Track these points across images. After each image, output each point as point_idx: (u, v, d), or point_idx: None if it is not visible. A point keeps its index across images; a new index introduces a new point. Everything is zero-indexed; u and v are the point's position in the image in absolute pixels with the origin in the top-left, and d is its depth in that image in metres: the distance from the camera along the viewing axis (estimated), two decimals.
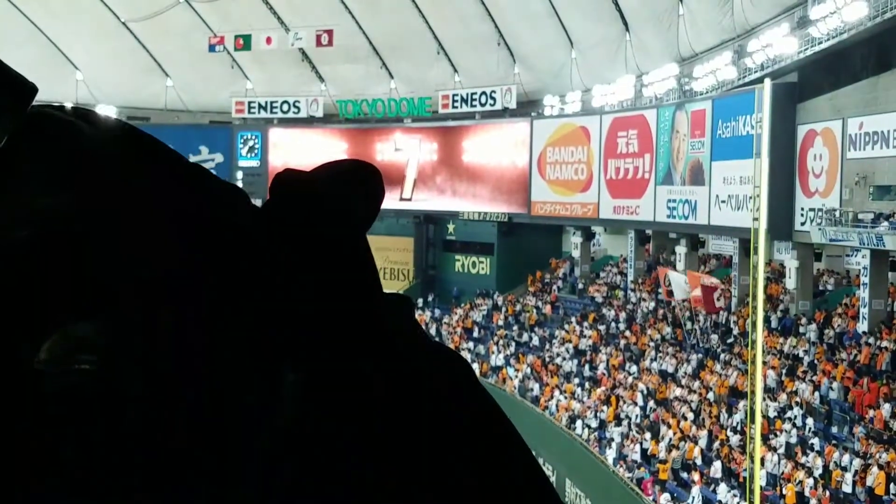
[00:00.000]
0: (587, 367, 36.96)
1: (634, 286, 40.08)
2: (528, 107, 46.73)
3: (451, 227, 49.26)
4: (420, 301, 46.78)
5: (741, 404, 28.22)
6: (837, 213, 29.26)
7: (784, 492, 24.94)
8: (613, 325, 38.63)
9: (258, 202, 0.73)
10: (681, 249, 37.88)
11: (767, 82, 27.39)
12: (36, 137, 0.69)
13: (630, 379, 34.12)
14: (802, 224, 31.08)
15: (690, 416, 30.02)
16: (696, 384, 31.48)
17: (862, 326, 28.60)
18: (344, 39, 47.60)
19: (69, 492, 0.61)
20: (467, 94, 48.22)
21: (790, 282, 31.99)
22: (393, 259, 48.60)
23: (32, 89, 0.72)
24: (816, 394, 27.37)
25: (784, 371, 29.12)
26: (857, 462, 23.97)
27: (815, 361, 28.74)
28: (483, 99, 47.71)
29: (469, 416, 0.68)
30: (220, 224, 0.68)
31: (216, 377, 0.64)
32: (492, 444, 0.69)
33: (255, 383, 0.64)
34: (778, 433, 26.83)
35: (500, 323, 43.83)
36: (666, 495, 27.71)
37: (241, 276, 0.66)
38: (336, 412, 0.65)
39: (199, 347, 0.64)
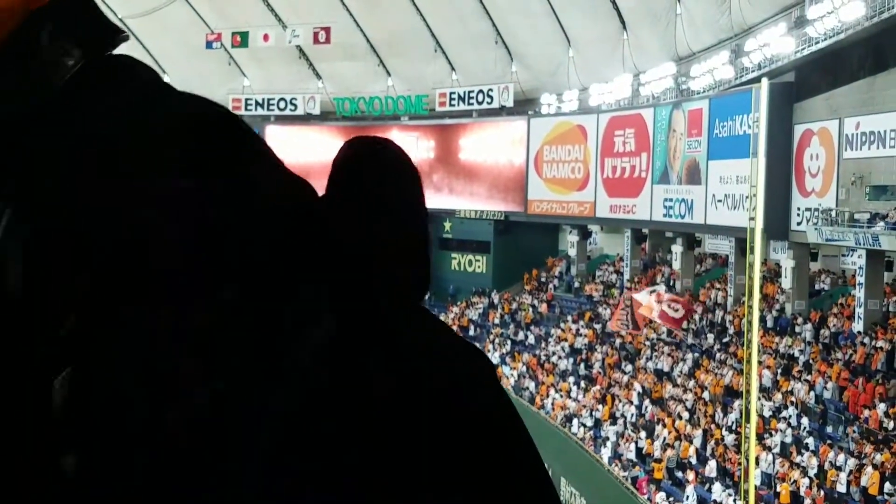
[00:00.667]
0: (583, 365, 36.95)
1: (630, 285, 40.04)
2: (525, 105, 46.71)
3: (447, 224, 49.20)
4: None
5: (736, 403, 28.21)
6: (833, 213, 29.25)
7: (779, 491, 24.94)
8: (609, 323, 38.65)
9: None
10: (677, 248, 37.88)
11: (764, 82, 27.35)
12: (83, 106, 0.68)
13: (625, 378, 34.11)
14: (798, 224, 31.08)
15: (685, 415, 30.02)
16: (692, 383, 31.48)
17: (857, 326, 28.60)
18: (341, 37, 47.55)
19: (70, 492, 0.61)
20: (464, 92, 48.20)
21: (786, 281, 31.98)
22: None
23: (113, 33, 0.71)
24: (811, 393, 27.37)
25: (779, 370, 29.12)
26: (851, 462, 23.96)
27: (811, 361, 28.74)
28: (480, 97, 47.69)
29: (470, 416, 0.68)
30: (224, 224, 0.67)
31: (216, 377, 0.63)
32: (493, 443, 0.68)
33: (255, 383, 0.64)
34: (773, 432, 26.83)
35: (496, 321, 43.82)
36: (661, 494, 27.70)
37: (243, 276, 0.66)
38: (336, 412, 0.65)
39: (199, 347, 0.64)
